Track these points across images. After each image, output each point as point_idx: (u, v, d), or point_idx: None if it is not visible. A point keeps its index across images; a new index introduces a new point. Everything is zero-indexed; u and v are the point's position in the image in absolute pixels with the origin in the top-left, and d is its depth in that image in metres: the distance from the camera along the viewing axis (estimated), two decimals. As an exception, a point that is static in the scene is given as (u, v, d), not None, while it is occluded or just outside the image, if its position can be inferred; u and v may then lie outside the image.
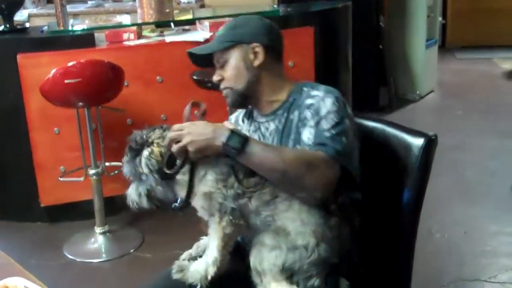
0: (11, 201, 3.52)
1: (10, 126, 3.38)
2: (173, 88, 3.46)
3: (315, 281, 1.49)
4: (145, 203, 1.59)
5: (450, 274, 2.82)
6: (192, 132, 1.49)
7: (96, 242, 3.23)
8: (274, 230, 1.50)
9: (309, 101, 1.58)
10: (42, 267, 3.01)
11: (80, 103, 2.98)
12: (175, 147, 1.50)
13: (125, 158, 1.62)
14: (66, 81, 2.83)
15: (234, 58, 1.64)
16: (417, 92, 5.66)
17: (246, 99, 1.68)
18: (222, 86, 1.68)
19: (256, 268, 1.52)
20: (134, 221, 3.44)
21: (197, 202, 1.54)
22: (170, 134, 1.51)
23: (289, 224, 1.49)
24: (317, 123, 1.54)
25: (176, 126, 1.53)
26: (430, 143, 1.57)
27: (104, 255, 3.17)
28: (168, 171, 1.52)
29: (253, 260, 1.52)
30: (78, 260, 3.11)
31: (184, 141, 1.48)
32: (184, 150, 1.50)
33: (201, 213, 1.55)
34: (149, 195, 1.58)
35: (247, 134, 1.59)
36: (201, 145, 1.48)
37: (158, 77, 3.45)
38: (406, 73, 5.62)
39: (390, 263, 1.46)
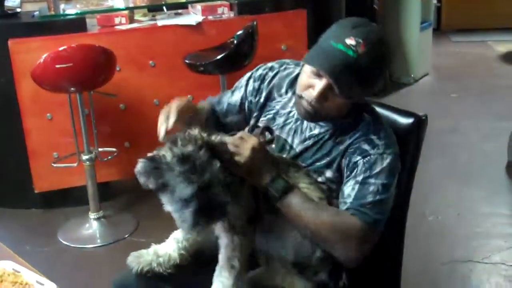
0: (4, 188, 3.50)
1: (2, 112, 3.36)
2: (165, 72, 3.44)
3: (322, 275, 1.51)
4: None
5: (443, 255, 2.84)
6: (251, 157, 1.44)
7: (91, 228, 3.23)
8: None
9: (366, 147, 1.49)
10: (37, 253, 3.02)
11: (72, 88, 2.96)
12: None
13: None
14: (57, 65, 2.81)
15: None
16: (412, 75, 5.64)
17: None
18: (311, 104, 1.50)
19: (269, 252, 1.52)
20: (129, 207, 3.45)
21: None
22: (231, 148, 1.44)
23: None
24: (365, 180, 1.47)
25: (237, 141, 1.46)
26: (420, 123, 1.57)
27: (98, 241, 3.17)
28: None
29: (264, 242, 1.52)
30: (72, 245, 3.11)
31: (239, 159, 1.44)
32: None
33: None
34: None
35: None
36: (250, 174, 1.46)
37: (150, 62, 3.42)
38: (401, 56, 5.59)
39: (381, 245, 1.46)
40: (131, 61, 3.38)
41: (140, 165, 1.35)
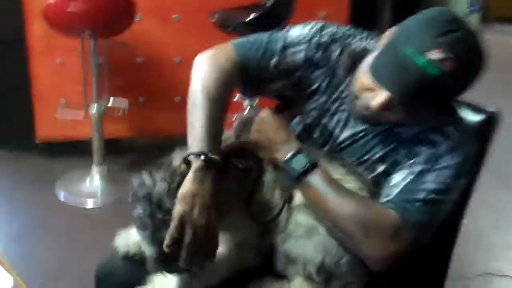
0: (6, 132, 3.28)
1: (10, 53, 3.10)
2: (190, 29, 3.17)
3: None
4: None
5: (477, 265, 2.57)
6: (258, 129, 1.28)
7: (92, 183, 3.02)
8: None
9: (437, 137, 1.20)
10: (32, 205, 2.85)
11: (86, 32, 2.70)
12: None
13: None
14: (71, 5, 2.56)
15: None
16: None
17: None
18: (369, 110, 1.18)
19: (288, 255, 1.24)
20: (135, 166, 3.21)
21: None
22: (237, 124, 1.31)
23: None
24: (423, 172, 1.19)
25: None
26: (491, 121, 1.26)
27: (99, 197, 2.96)
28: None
29: (284, 242, 1.25)
30: (71, 200, 2.92)
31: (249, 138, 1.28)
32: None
33: None
34: None
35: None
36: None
37: (174, 15, 3.17)
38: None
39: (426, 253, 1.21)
40: (153, 11, 3.12)
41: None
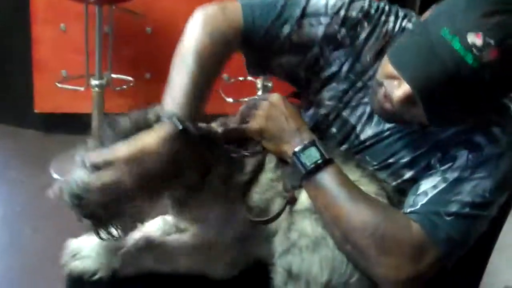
0: (3, 103, 3.12)
1: (11, 18, 2.91)
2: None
3: None
4: None
5: (499, 278, 2.31)
6: (270, 116, 1.07)
7: (90, 164, 2.79)
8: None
9: (480, 139, 1.00)
10: (22, 183, 2.65)
11: (90, -4, 2.48)
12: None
13: None
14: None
15: None
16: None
17: None
18: (391, 102, 0.97)
19: (289, 271, 1.03)
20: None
21: None
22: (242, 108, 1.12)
23: None
24: (458, 181, 0.98)
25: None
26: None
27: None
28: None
29: (284, 253, 1.04)
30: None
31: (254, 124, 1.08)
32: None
33: None
34: None
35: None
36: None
37: (188, -19, 2.92)
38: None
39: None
40: (165, -23, 2.88)
41: None
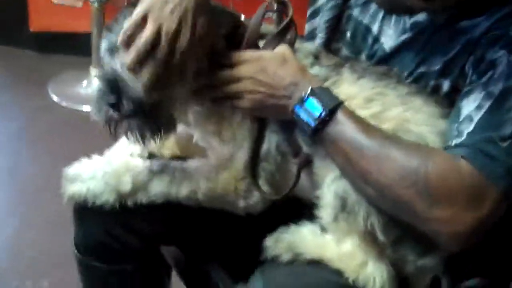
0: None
1: None
2: None
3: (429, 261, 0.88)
4: None
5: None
6: (257, 79, 0.90)
7: (89, 86, 2.69)
8: None
9: None
10: (19, 106, 2.56)
11: None
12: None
13: None
14: None
15: None
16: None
17: None
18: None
19: (344, 198, 0.87)
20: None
21: None
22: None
23: None
24: (506, 93, 0.81)
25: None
26: None
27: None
28: None
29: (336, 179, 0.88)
30: (63, 103, 2.62)
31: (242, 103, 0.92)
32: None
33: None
34: None
35: None
36: (260, 105, 0.91)
37: None
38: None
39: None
40: None
41: None
